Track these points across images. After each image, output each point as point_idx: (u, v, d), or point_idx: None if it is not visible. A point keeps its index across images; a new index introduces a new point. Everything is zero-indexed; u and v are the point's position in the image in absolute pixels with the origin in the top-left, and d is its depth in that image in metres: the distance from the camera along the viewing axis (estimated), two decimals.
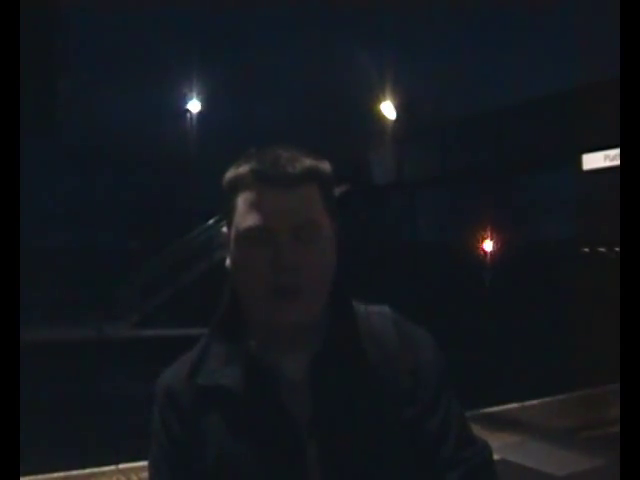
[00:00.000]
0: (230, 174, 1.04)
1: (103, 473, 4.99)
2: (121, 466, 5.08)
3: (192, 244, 18.77)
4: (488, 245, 25.34)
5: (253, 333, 1.05)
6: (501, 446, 5.44)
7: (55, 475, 4.87)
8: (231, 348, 1.05)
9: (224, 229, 1.08)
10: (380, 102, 23.39)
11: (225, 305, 1.09)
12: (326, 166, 1.05)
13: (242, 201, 1.00)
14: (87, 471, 5.01)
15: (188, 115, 25.19)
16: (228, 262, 1.05)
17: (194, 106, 25.05)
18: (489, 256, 24.22)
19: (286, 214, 0.98)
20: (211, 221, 19.31)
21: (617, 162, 11.88)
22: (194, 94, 25.13)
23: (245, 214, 1.00)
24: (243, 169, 1.01)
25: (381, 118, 23.23)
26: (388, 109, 23.27)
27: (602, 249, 14.03)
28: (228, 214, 1.04)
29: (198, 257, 18.18)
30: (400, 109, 23.19)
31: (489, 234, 24.73)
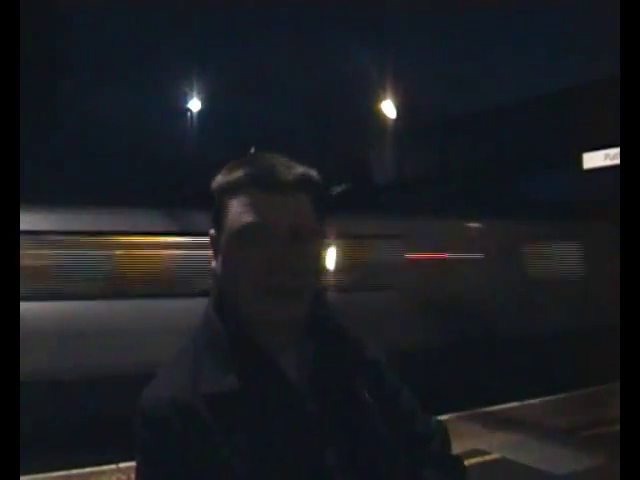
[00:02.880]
0: (222, 178, 1.07)
1: (103, 472, 4.99)
2: (121, 465, 5.08)
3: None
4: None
5: (250, 333, 1.06)
6: (501, 445, 5.44)
7: (55, 475, 4.88)
8: (230, 351, 1.04)
9: (211, 231, 1.10)
10: (380, 102, 23.38)
11: (216, 308, 1.09)
12: (316, 175, 1.11)
13: (237, 204, 1.03)
14: (87, 470, 5.01)
15: (188, 115, 25.20)
16: (214, 264, 1.09)
17: (194, 106, 25.05)
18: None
19: (281, 218, 1.02)
20: None
21: (617, 161, 11.90)
22: (194, 94, 25.14)
23: (240, 216, 1.02)
24: (238, 173, 1.05)
25: (381, 118, 23.21)
26: (388, 109, 23.27)
27: (602, 248, 14.02)
28: (218, 216, 1.07)
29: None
30: (400, 109, 23.18)
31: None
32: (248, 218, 1.01)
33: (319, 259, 1.09)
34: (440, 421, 1.26)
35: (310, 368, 1.07)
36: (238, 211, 1.03)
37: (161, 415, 0.99)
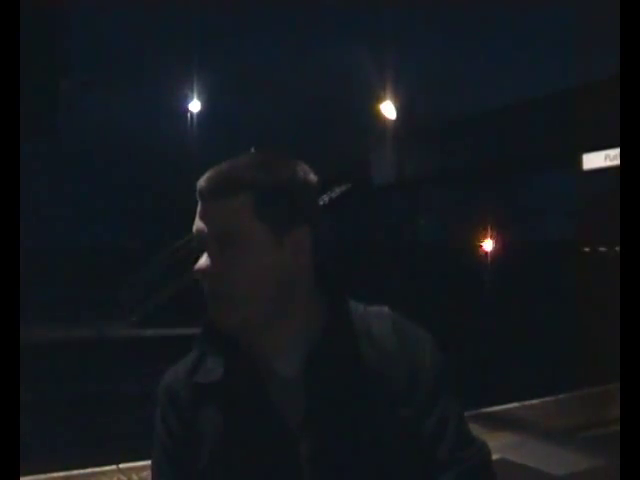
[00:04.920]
0: None
1: (103, 473, 4.98)
2: (122, 465, 5.08)
3: (192, 244, 18.75)
4: (488, 245, 25.32)
5: (232, 331, 1.08)
6: (501, 446, 5.43)
7: (55, 475, 4.87)
8: (226, 347, 1.08)
9: None
10: (380, 102, 23.38)
11: None
12: (267, 177, 1.04)
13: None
14: (87, 471, 5.00)
15: (188, 115, 25.23)
16: None
17: (194, 106, 25.08)
18: (489, 256, 24.21)
19: (208, 225, 1.05)
20: None
21: (617, 162, 11.89)
22: (194, 94, 25.16)
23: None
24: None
25: (381, 118, 23.20)
26: (388, 109, 23.26)
27: (602, 249, 14.04)
28: None
29: (198, 257, 18.17)
30: (400, 109, 23.18)
31: (489, 234, 24.71)
32: (193, 226, 1.07)
33: (263, 262, 1.03)
34: (484, 445, 1.11)
35: (305, 368, 1.04)
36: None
37: (161, 398, 1.13)
